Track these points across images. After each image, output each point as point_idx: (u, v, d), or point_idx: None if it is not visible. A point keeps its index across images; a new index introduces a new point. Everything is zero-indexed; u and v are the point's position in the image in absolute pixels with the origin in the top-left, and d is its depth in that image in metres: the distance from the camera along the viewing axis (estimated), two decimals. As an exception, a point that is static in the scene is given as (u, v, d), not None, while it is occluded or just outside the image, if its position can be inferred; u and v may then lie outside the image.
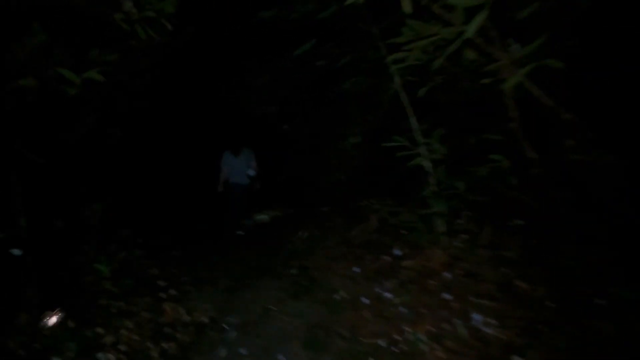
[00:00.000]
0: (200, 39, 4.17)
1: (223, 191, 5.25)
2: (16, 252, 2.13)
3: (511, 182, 2.54)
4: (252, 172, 5.16)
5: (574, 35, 2.18)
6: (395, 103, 3.41)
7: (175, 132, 6.58)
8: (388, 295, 2.64)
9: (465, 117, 2.99)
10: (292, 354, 2.26)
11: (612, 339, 1.80)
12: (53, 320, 2.10)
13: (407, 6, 2.10)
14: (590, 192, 2.35)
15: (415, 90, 2.96)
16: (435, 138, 2.96)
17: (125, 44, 2.71)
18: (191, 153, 7.52)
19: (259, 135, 7.06)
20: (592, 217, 2.35)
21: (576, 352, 1.80)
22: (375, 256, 3.31)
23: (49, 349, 1.99)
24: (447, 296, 2.41)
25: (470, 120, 2.95)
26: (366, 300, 2.64)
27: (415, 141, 2.99)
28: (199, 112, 6.64)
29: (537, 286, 2.32)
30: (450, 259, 2.77)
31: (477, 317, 2.15)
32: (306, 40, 3.18)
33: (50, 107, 2.36)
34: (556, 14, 2.10)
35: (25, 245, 2.14)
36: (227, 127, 7.92)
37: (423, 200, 3.17)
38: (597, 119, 2.22)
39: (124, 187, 4.44)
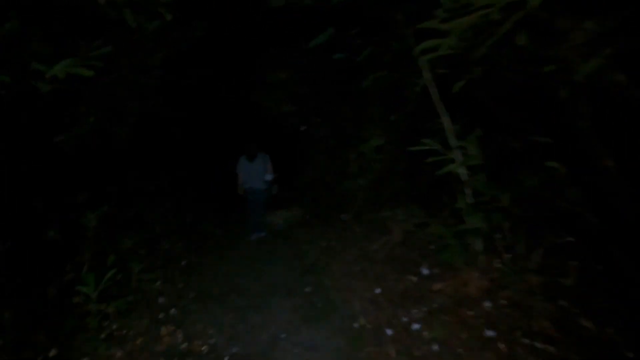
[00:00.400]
0: (213, 33, 3.88)
1: (242, 195, 5.19)
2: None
3: (571, 194, 2.07)
4: (269, 177, 5.06)
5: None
6: (423, 101, 3.00)
7: (187, 132, 6.40)
8: (416, 326, 2.25)
9: (509, 115, 2.54)
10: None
11: None
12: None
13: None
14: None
15: (448, 85, 2.54)
16: (471, 140, 2.53)
17: (120, 35, 2.45)
18: (204, 154, 7.34)
19: (275, 137, 6.80)
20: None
21: None
22: (400, 275, 2.91)
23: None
24: (490, 333, 1.99)
25: (515, 120, 2.50)
26: (390, 332, 2.26)
27: (447, 144, 2.56)
28: (212, 111, 6.42)
29: (606, 326, 1.86)
30: (491, 285, 2.33)
31: (532, 367, 1.73)
32: (322, 30, 2.81)
33: (32, 105, 2.13)
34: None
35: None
36: (241, 128, 7.71)
37: (457, 213, 2.75)
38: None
39: (131, 191, 4.24)
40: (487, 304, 2.21)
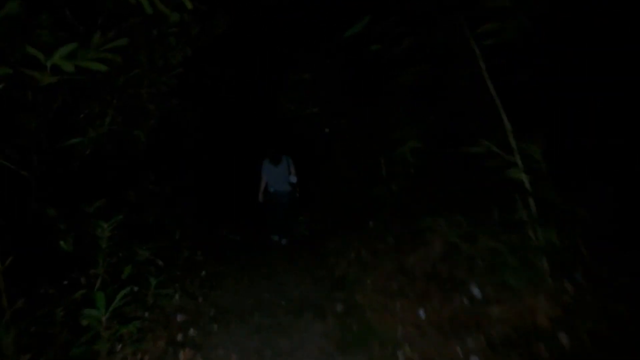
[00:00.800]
0: (234, 29, 3.65)
1: (263, 200, 5.24)
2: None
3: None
4: (293, 179, 5.11)
5: None
6: (470, 97, 2.65)
7: (208, 133, 6.22)
8: (476, 361, 1.90)
9: (583, 113, 2.16)
10: None
11: None
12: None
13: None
14: None
15: (505, 78, 2.20)
16: (535, 142, 2.17)
17: (137, 28, 2.22)
18: (223, 155, 7.15)
19: (297, 139, 6.54)
20: None
21: None
22: (446, 295, 2.55)
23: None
24: (574, 377, 1.62)
25: (592, 117, 2.12)
26: (444, 367, 1.91)
27: (506, 146, 2.21)
28: (232, 112, 6.22)
29: None
30: (565, 314, 1.96)
31: None
32: (356, 19, 2.51)
33: (40, 104, 1.92)
34: None
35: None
36: (262, 130, 7.49)
37: (509, 224, 2.40)
38: None
39: (148, 195, 4.04)
40: (563, 337, 1.84)
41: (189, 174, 5.56)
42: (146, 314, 2.46)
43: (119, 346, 2.09)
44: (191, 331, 2.40)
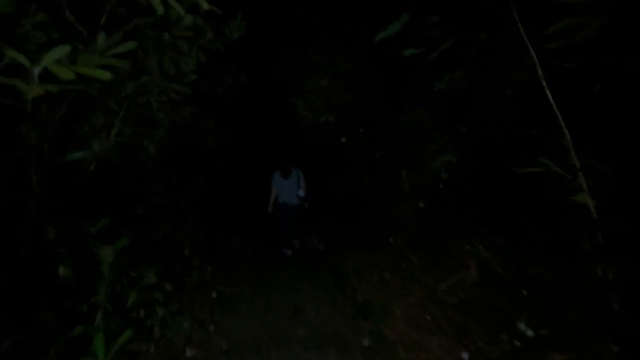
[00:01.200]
0: (249, 34, 3.43)
1: (272, 211, 5.19)
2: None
3: None
4: (302, 193, 5.04)
5: None
6: (517, 107, 2.37)
7: (221, 142, 6.01)
8: None
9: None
10: None
11: None
12: None
13: None
14: None
15: (565, 86, 1.91)
16: (601, 160, 1.87)
17: (146, 32, 2.00)
18: (238, 166, 6.94)
19: (312, 149, 6.30)
20: None
21: None
22: (489, 331, 2.25)
23: None
24: None
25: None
26: None
27: (568, 164, 1.91)
28: (244, 121, 6.01)
29: None
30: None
31: None
32: (389, 18, 2.25)
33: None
34: None
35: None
36: (274, 139, 7.27)
37: (574, 251, 2.10)
38: None
39: (157, 210, 3.81)
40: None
41: (200, 185, 5.35)
42: (152, 348, 2.20)
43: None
44: (202, 370, 2.13)
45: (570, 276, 2.09)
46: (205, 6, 2.02)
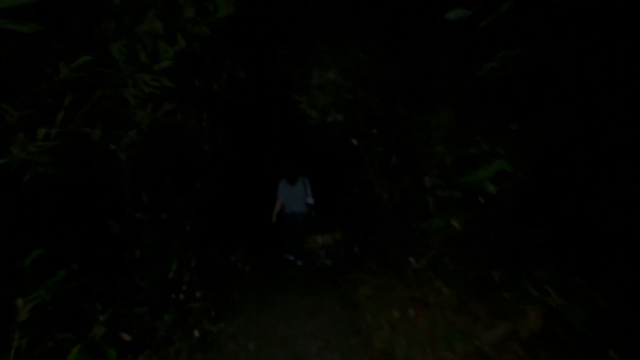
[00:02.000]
0: (245, 9, 2.82)
1: (277, 222, 4.95)
2: None
3: None
4: (310, 201, 4.81)
5: None
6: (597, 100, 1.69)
7: (219, 146, 5.43)
8: None
9: None
10: None
11: None
12: None
13: None
14: None
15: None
16: None
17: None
18: (238, 172, 6.35)
19: (319, 152, 5.70)
20: None
21: None
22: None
23: None
24: None
25: None
26: None
27: None
28: (243, 122, 5.42)
29: None
30: None
31: None
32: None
33: None
34: None
35: None
36: (278, 142, 6.66)
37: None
38: None
39: (138, 227, 3.22)
40: None
41: (195, 194, 4.75)
42: None
43: None
44: None
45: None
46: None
